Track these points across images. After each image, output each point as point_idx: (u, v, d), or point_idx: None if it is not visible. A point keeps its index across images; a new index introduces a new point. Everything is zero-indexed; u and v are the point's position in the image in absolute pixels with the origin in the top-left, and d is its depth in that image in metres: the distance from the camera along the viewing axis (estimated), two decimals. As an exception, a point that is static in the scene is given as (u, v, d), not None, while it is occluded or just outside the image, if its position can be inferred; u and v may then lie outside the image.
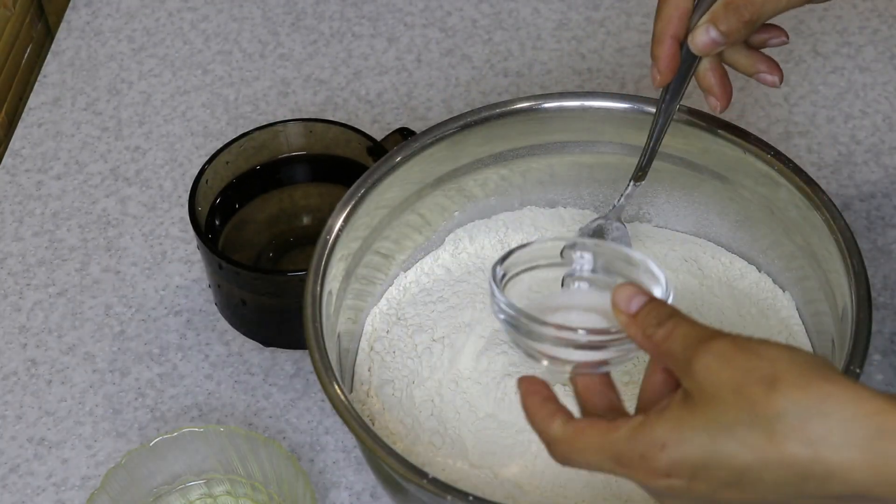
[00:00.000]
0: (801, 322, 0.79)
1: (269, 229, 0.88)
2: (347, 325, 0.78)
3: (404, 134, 0.86)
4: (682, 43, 0.72)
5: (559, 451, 0.57)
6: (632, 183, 0.77)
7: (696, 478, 0.53)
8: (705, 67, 0.73)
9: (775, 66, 0.73)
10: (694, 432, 0.53)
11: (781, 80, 0.73)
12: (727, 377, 0.53)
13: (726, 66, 0.74)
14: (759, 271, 0.82)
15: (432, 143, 0.79)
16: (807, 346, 0.78)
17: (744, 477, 0.52)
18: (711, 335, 0.55)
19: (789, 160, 0.76)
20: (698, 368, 0.54)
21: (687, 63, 0.73)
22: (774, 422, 0.51)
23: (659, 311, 0.57)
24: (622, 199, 0.77)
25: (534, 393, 0.59)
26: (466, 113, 0.80)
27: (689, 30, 0.71)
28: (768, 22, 0.71)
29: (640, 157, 0.76)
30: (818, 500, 0.53)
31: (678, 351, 0.55)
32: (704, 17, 0.69)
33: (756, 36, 0.73)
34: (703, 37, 0.70)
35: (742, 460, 0.52)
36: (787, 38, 0.73)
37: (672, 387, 0.57)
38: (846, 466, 0.51)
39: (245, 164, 0.87)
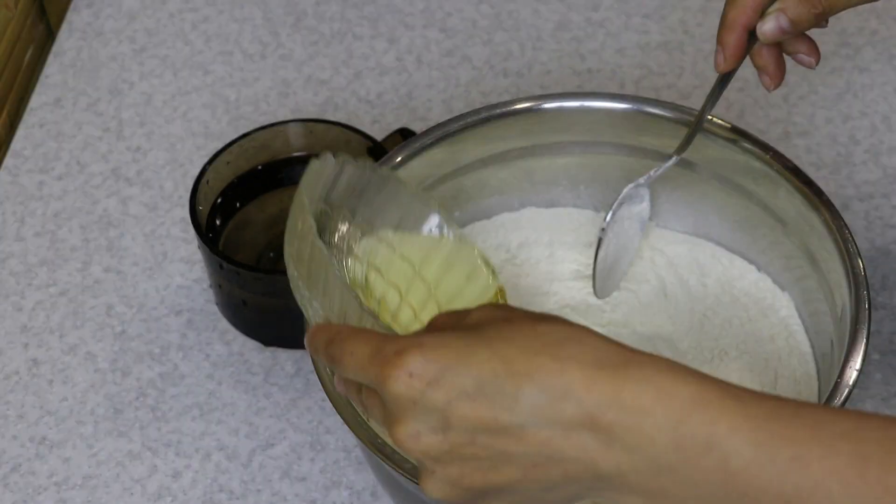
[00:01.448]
0: (800, 322, 0.79)
1: (269, 229, 0.88)
2: (348, 324, 0.78)
3: (404, 134, 0.86)
4: (751, 31, 0.70)
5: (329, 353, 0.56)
6: (675, 157, 0.77)
7: (436, 383, 0.52)
8: (761, 44, 0.71)
9: (814, 48, 0.72)
10: (455, 338, 0.53)
11: (818, 62, 0.72)
12: (492, 315, 0.55)
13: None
14: (759, 271, 0.82)
15: (432, 144, 0.79)
16: (806, 346, 0.78)
17: (485, 387, 0.52)
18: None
19: (788, 160, 0.76)
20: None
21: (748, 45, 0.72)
22: (531, 339, 0.52)
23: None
24: (662, 169, 0.77)
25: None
26: (466, 113, 0.80)
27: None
28: (809, 35, 0.71)
29: (688, 133, 0.76)
30: (549, 424, 0.52)
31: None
32: (775, 5, 0.68)
33: (792, 44, 0.72)
34: (772, 24, 0.69)
35: (489, 368, 0.52)
36: (817, 62, 0.72)
37: None
38: (587, 383, 0.51)
39: (246, 165, 0.87)
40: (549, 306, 0.81)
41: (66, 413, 0.83)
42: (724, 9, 0.70)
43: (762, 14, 0.70)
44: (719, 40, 0.71)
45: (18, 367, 0.85)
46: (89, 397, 0.84)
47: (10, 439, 0.82)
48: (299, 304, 0.65)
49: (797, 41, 0.72)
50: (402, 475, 0.66)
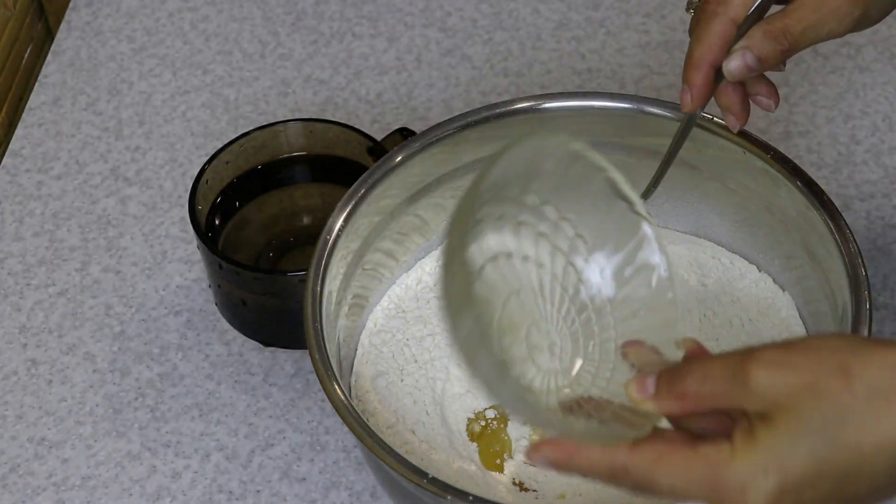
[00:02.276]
0: (801, 322, 0.79)
1: (269, 229, 0.88)
2: (348, 324, 0.78)
3: (404, 134, 0.86)
4: (717, 69, 0.69)
5: (634, 479, 0.54)
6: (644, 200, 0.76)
7: (803, 496, 0.51)
8: (726, 84, 0.71)
9: (774, 91, 0.72)
10: (791, 449, 0.51)
11: (777, 105, 0.72)
12: (796, 381, 0.51)
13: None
14: (759, 271, 0.82)
15: (432, 143, 0.79)
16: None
17: (847, 478, 0.51)
18: (747, 353, 0.52)
19: (789, 160, 0.76)
20: (760, 385, 0.51)
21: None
22: (863, 407, 0.50)
23: (676, 371, 0.55)
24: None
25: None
26: (466, 113, 0.80)
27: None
28: (769, 78, 0.71)
29: (654, 177, 0.75)
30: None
31: (723, 385, 0.53)
32: (740, 43, 0.67)
33: (752, 85, 0.72)
34: (738, 62, 0.67)
35: (843, 461, 0.51)
36: (776, 104, 0.72)
37: (722, 425, 0.54)
38: None
39: (245, 164, 0.87)
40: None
41: (64, 413, 0.83)
42: (690, 47, 0.69)
43: (728, 52, 0.69)
44: (686, 79, 0.69)
45: (17, 367, 0.85)
46: (88, 397, 0.84)
47: (9, 440, 0.82)
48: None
49: (757, 83, 0.71)
50: (402, 475, 0.66)
